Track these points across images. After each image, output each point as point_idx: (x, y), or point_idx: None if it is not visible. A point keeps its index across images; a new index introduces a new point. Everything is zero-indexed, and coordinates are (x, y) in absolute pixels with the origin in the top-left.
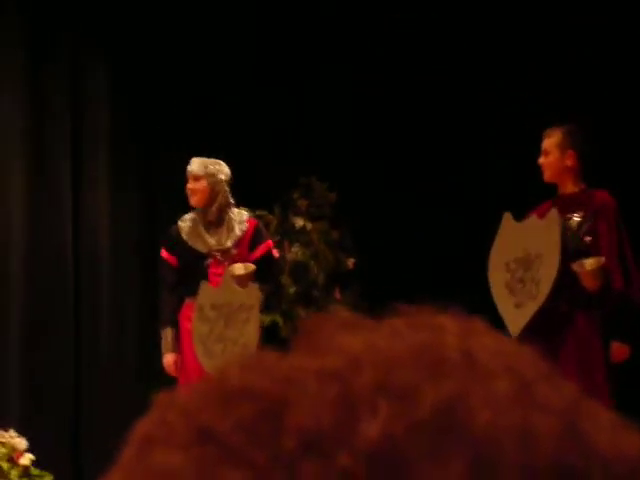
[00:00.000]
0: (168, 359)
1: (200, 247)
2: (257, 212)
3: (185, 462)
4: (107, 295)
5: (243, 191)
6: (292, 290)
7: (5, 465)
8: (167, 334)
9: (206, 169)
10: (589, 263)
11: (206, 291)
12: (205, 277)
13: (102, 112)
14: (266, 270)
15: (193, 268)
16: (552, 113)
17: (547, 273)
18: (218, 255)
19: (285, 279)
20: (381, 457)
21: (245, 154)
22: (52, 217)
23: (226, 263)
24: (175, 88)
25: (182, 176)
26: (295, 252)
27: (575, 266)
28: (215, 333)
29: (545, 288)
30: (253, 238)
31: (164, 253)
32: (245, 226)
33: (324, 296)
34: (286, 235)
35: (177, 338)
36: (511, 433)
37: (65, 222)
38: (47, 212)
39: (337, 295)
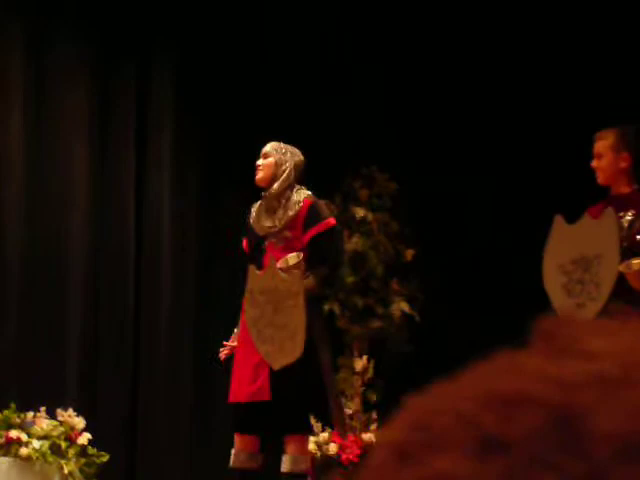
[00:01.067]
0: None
1: (258, 230)
2: None
3: (479, 470)
4: (166, 291)
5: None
6: (350, 280)
7: (63, 444)
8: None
9: (277, 149)
10: (636, 263)
11: (253, 276)
12: (262, 261)
13: (167, 96)
14: (318, 252)
15: (257, 252)
16: (605, 114)
17: (607, 273)
18: (273, 238)
19: (344, 269)
20: None
21: (307, 143)
22: (115, 208)
23: (281, 246)
24: (239, 76)
25: (244, 163)
26: (355, 242)
27: (622, 267)
28: (265, 318)
29: (606, 289)
30: (307, 219)
31: (244, 241)
32: (299, 206)
33: (382, 287)
34: (346, 225)
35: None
36: None
37: (128, 212)
38: (110, 205)
39: (395, 286)
